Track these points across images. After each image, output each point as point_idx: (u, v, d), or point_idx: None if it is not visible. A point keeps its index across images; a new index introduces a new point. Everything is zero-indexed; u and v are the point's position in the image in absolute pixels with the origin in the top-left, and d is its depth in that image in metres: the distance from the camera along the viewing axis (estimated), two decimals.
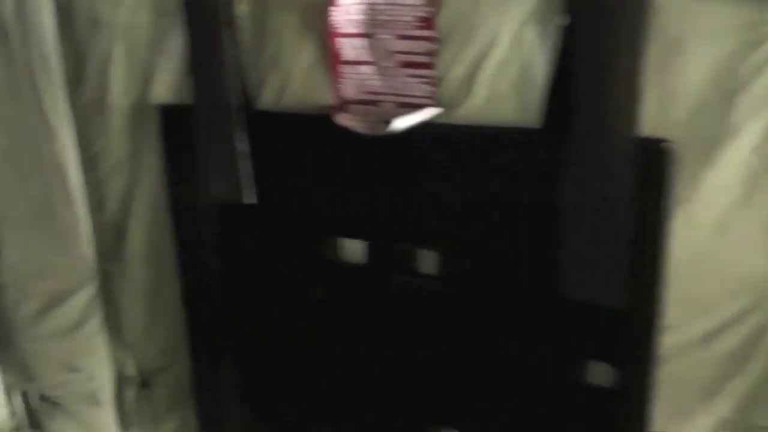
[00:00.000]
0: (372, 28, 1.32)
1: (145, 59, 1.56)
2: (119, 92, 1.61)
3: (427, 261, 1.40)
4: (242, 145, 1.47)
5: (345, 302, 1.50)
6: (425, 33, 1.28)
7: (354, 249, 1.47)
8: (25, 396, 2.22)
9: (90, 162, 1.72)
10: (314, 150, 1.44)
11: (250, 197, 1.49)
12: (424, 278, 1.40)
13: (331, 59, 1.37)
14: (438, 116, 1.29)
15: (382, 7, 1.30)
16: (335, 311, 1.52)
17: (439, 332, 1.41)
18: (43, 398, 2.13)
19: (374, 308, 1.47)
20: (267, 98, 1.45)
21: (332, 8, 1.33)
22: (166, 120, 1.57)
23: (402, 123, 1.30)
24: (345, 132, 1.35)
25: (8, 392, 2.26)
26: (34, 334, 2.02)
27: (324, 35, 1.35)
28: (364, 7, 1.31)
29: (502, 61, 1.23)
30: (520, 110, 1.24)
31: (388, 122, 1.31)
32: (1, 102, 1.80)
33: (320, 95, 1.40)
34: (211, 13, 1.43)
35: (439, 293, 1.39)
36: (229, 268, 1.61)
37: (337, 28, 1.34)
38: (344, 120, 1.36)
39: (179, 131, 1.56)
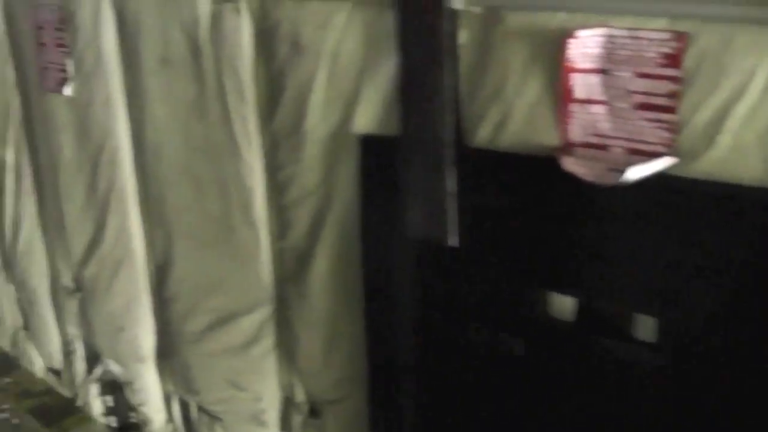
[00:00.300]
0: (609, 63, 1.18)
1: (348, 86, 1.48)
2: (317, 119, 1.54)
3: (644, 327, 1.27)
4: (451, 183, 1.37)
5: (544, 360, 1.39)
6: (669, 72, 1.13)
7: (562, 305, 1.35)
8: (184, 405, 2.22)
9: (278, 187, 1.67)
10: (532, 194, 1.32)
11: (453, 239, 1.40)
12: (637, 346, 1.27)
13: (560, 96, 1.24)
14: (673, 167, 1.15)
15: (624, 40, 1.16)
16: (532, 367, 1.40)
17: (649, 410, 1.26)
18: (203, 410, 2.12)
19: (576, 371, 1.34)
20: (483, 134, 1.34)
21: (569, 40, 1.20)
22: (367, 151, 1.49)
23: (635, 173, 1.17)
24: (568, 177, 1.23)
25: (166, 399, 2.28)
26: (201, 349, 2.02)
27: (555, 69, 1.23)
28: (603, 39, 1.18)
29: (753, 108, 1.08)
30: (765, 166, 1.09)
31: (618, 170, 1.18)
32: (188, 118, 1.79)
33: (543, 135, 1.27)
34: (431, 40, 1.33)
35: (654, 365, 1.25)
36: (420, 307, 1.52)
37: (571, 61, 1.22)
38: (570, 164, 1.24)
39: (380, 163, 1.48)
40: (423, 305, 1.51)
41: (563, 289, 1.33)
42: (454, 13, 1.30)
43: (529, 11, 1.24)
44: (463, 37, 1.31)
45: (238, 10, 1.59)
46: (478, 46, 1.31)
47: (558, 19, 1.19)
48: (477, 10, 1.29)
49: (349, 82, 1.48)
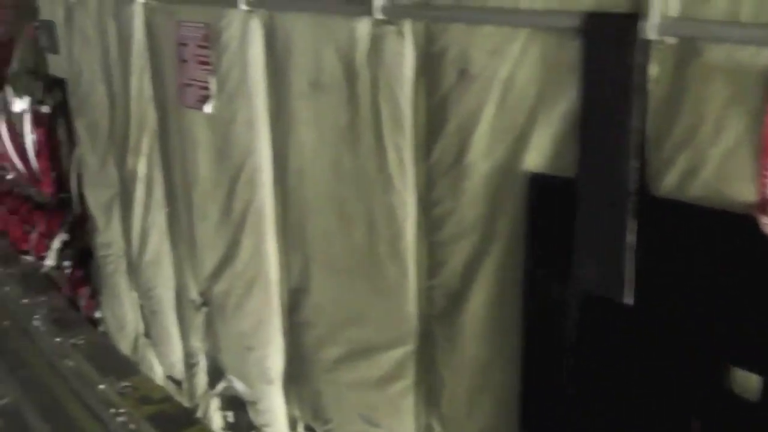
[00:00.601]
0: None
1: (520, 120, 1.36)
2: (482, 153, 1.43)
3: None
4: (631, 235, 1.24)
5: None
6: None
7: (746, 382, 1.19)
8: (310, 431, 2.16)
9: (432, 222, 1.57)
10: (721, 255, 1.17)
11: (628, 297, 1.27)
12: None
13: (761, 145, 1.09)
14: None
15: None
16: None
17: None
18: None
19: None
20: (669, 183, 1.19)
21: None
22: (536, 191, 1.37)
23: None
24: (764, 239, 1.08)
25: (292, 423, 2.23)
26: (334, 379, 1.94)
27: (758, 113, 1.07)
28: None
29: None
30: None
31: None
32: (337, 144, 1.71)
33: (739, 188, 1.12)
34: (619, 73, 1.19)
35: None
36: (584, 365, 1.39)
37: None
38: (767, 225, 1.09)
39: (550, 205, 1.36)
40: (587, 363, 1.39)
41: (749, 365, 1.18)
42: (646, 44, 1.17)
43: (733, 44, 1.09)
44: (654, 71, 1.17)
45: (401, 34, 1.51)
46: (670, 82, 1.17)
47: (766, 56, 1.05)
48: (672, 40, 1.15)
49: (521, 114, 1.36)
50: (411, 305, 1.68)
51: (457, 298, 1.57)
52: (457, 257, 1.54)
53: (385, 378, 1.79)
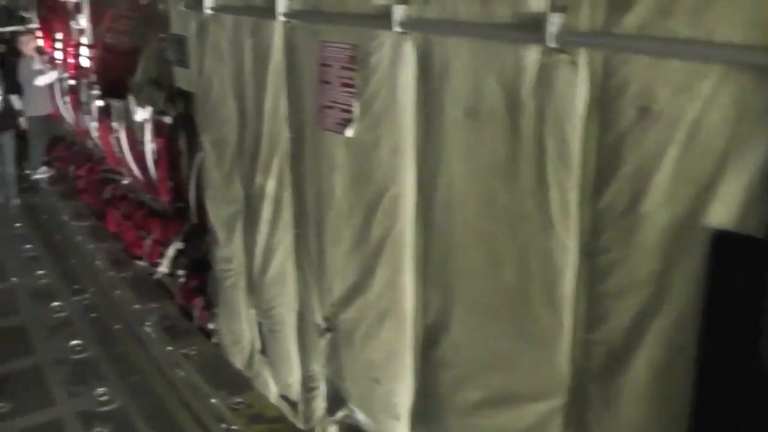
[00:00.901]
0: None
1: (706, 167, 1.23)
2: (660, 201, 1.30)
3: None
4: None
5: None
6: None
7: None
8: None
9: (596, 271, 1.45)
10: None
11: None
12: None
13: None
14: None
15: None
16: None
17: None
18: None
19: None
20: None
21: None
22: (720, 250, 1.24)
23: None
24: None
25: None
26: (471, 424, 1.84)
27: None
28: None
29: None
30: None
31: None
32: (492, 179, 1.61)
33: None
34: None
35: None
36: None
37: None
38: None
39: (736, 267, 1.22)
40: None
41: None
42: None
43: None
44: None
45: (575, 64, 1.40)
46: None
47: None
48: None
49: (709, 162, 1.23)
50: (563, 357, 1.56)
51: (620, 357, 1.44)
52: (623, 312, 1.42)
53: (529, 430, 1.67)
